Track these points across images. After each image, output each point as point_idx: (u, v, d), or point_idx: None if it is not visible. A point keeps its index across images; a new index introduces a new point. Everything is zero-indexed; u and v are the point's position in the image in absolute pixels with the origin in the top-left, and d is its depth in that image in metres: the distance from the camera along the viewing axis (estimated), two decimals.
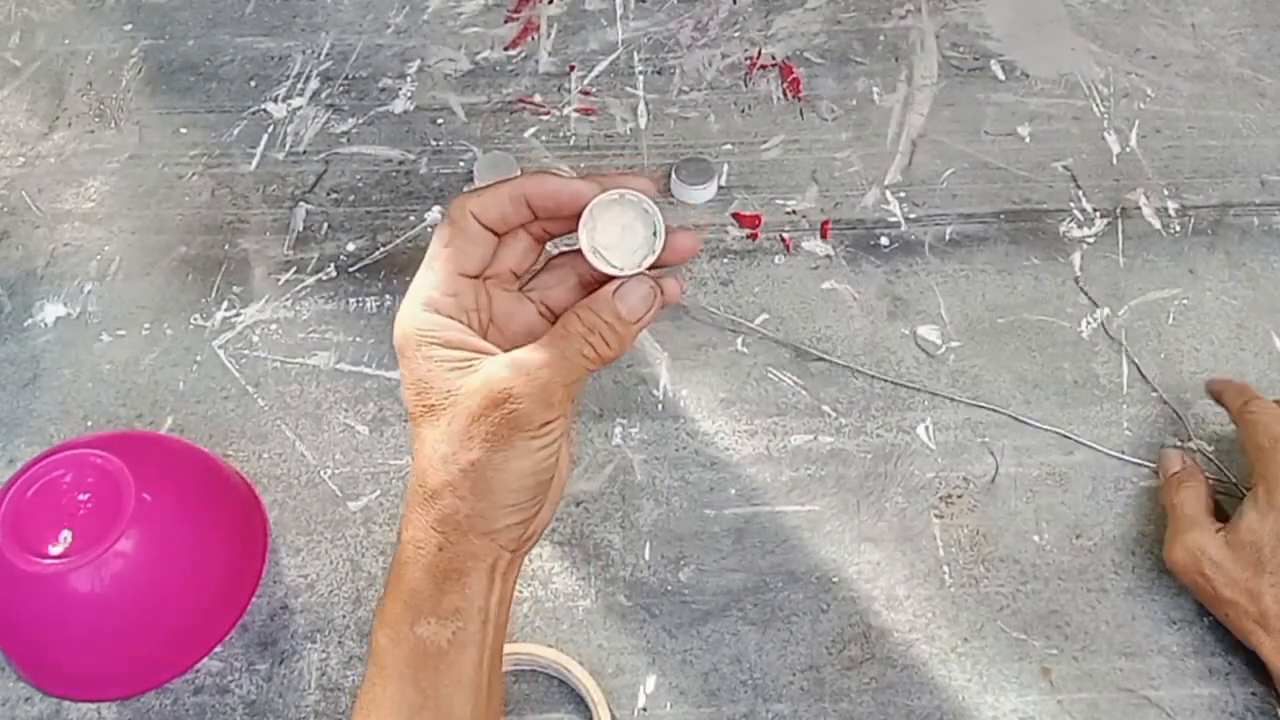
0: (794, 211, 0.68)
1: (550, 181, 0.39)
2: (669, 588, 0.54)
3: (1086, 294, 0.64)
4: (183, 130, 0.73)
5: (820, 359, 0.62)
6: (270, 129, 0.73)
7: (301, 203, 0.69)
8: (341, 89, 0.75)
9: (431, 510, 0.38)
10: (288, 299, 0.65)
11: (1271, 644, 0.48)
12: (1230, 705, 0.51)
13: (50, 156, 0.72)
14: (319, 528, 0.56)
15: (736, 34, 0.78)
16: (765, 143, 0.72)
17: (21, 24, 0.80)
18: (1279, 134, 0.72)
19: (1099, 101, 0.74)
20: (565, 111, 0.74)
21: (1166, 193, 0.69)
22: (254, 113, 0.74)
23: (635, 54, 0.77)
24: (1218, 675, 0.52)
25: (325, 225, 0.68)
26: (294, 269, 0.66)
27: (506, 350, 0.38)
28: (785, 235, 0.67)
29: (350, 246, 0.67)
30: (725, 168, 0.70)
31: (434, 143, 0.72)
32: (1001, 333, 0.63)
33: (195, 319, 0.64)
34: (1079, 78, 0.75)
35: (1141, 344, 0.62)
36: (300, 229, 0.68)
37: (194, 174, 0.71)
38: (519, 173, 0.68)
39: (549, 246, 0.41)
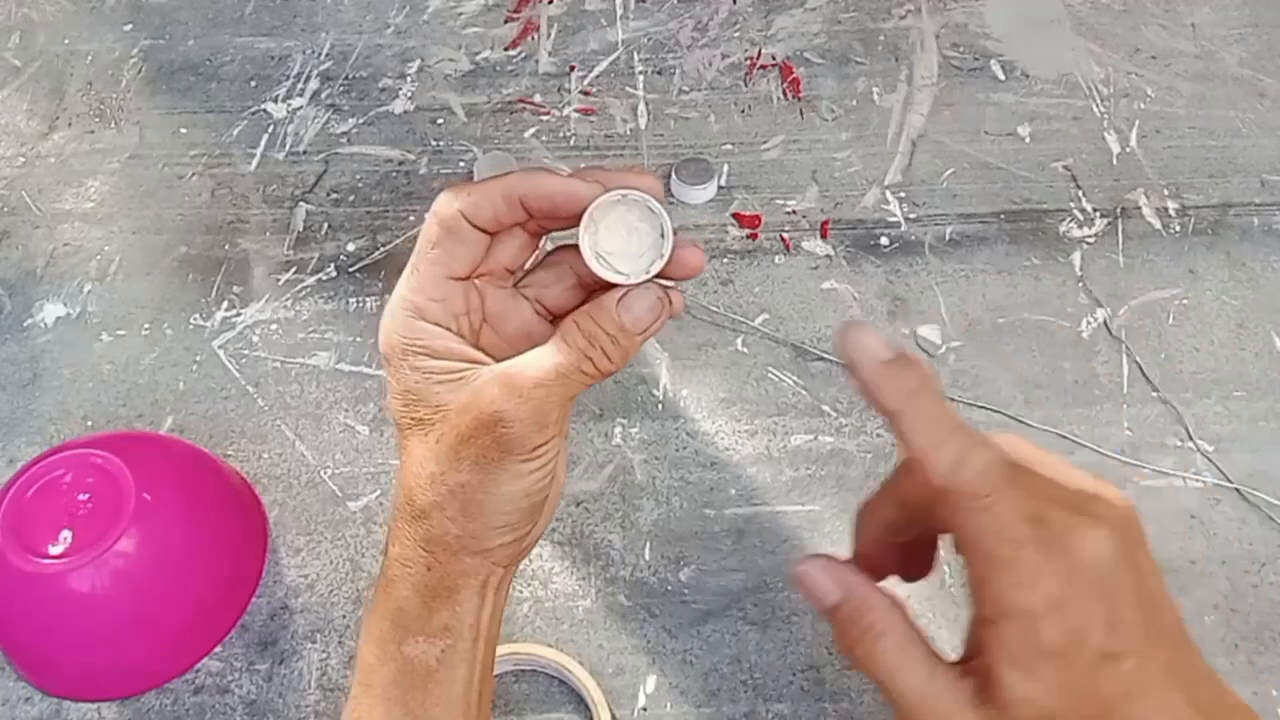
0: (794, 211, 0.68)
1: (546, 181, 0.36)
2: (669, 588, 0.54)
3: (1090, 292, 0.64)
4: (183, 130, 0.73)
5: (820, 359, 0.62)
6: (270, 129, 0.73)
7: (301, 203, 0.69)
8: (341, 89, 0.75)
9: (419, 529, 0.36)
10: (288, 299, 0.65)
11: None
12: None
13: (50, 156, 0.72)
14: (319, 528, 0.56)
15: (736, 34, 0.78)
16: (765, 143, 0.72)
17: (21, 24, 0.80)
18: (1279, 134, 0.72)
19: (1099, 101, 0.74)
20: (565, 111, 0.74)
21: (1166, 193, 0.69)
22: (254, 113, 0.74)
23: (635, 54, 0.77)
24: (1219, 674, 0.51)
25: (325, 225, 0.68)
26: (294, 269, 0.66)
27: (500, 356, 0.36)
28: (785, 235, 0.67)
29: (350, 246, 0.67)
30: (725, 168, 0.70)
31: (434, 143, 0.72)
32: (1002, 333, 0.63)
33: (195, 319, 0.64)
34: (1079, 78, 0.75)
35: (1142, 344, 0.62)
36: (300, 229, 0.68)
37: (194, 174, 0.71)
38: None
39: (545, 241, 0.40)
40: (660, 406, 0.60)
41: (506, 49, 0.78)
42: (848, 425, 0.59)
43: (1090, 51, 0.77)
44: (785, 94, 0.75)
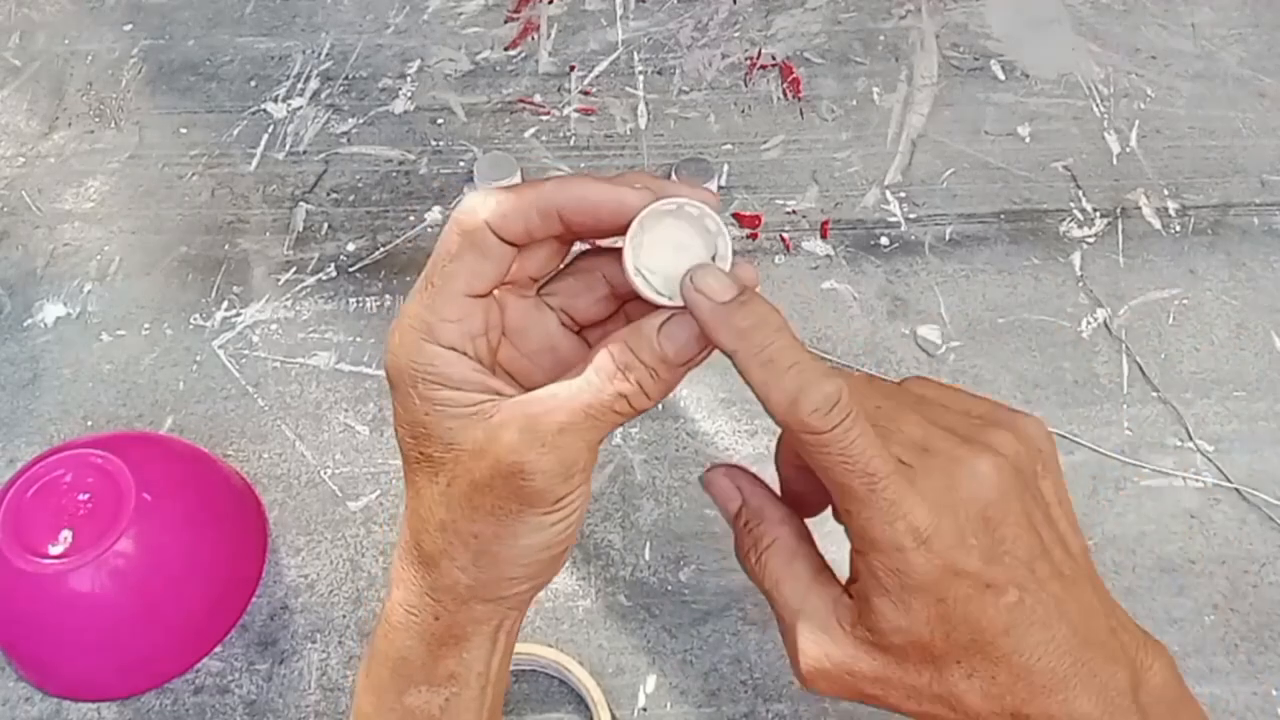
0: (794, 211, 0.68)
1: (590, 189, 0.31)
2: (669, 588, 0.54)
3: (1090, 292, 0.64)
4: (183, 130, 0.73)
5: (820, 359, 0.62)
6: (270, 129, 0.73)
7: (301, 203, 0.69)
8: (341, 89, 0.75)
9: (426, 577, 0.33)
10: (288, 299, 0.65)
11: None
12: (1231, 704, 0.51)
13: (50, 156, 0.72)
14: (319, 528, 0.56)
15: (736, 34, 0.78)
16: (765, 143, 0.72)
17: (21, 24, 0.80)
18: (1279, 134, 0.72)
19: (1099, 101, 0.74)
20: (565, 111, 0.74)
21: (1166, 193, 0.69)
22: (254, 113, 0.74)
23: (635, 54, 0.77)
24: (1219, 674, 0.52)
25: (325, 225, 0.68)
26: (294, 269, 0.66)
27: (519, 372, 0.33)
28: (785, 235, 0.67)
29: (350, 246, 0.67)
30: (725, 168, 0.70)
31: (434, 143, 0.72)
32: (1002, 333, 0.63)
33: (195, 319, 0.64)
34: (1079, 78, 0.75)
35: (1142, 344, 0.62)
36: (300, 229, 0.68)
37: (194, 174, 0.71)
38: (519, 173, 0.68)
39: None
40: (660, 406, 0.60)
41: (506, 49, 0.78)
42: None
43: (1090, 51, 0.77)
44: (785, 94, 0.75)
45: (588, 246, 0.35)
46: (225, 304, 0.65)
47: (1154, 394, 0.60)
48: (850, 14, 0.80)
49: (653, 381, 0.31)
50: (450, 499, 0.32)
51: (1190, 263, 0.66)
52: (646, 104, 0.74)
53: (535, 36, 0.78)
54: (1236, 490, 0.57)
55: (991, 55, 0.76)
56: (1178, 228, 0.67)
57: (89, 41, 0.79)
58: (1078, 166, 0.70)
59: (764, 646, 0.53)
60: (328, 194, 0.70)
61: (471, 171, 0.70)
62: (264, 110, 0.74)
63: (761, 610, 0.54)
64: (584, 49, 0.77)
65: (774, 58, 0.77)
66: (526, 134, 0.72)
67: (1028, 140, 0.72)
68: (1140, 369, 0.61)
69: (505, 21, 0.79)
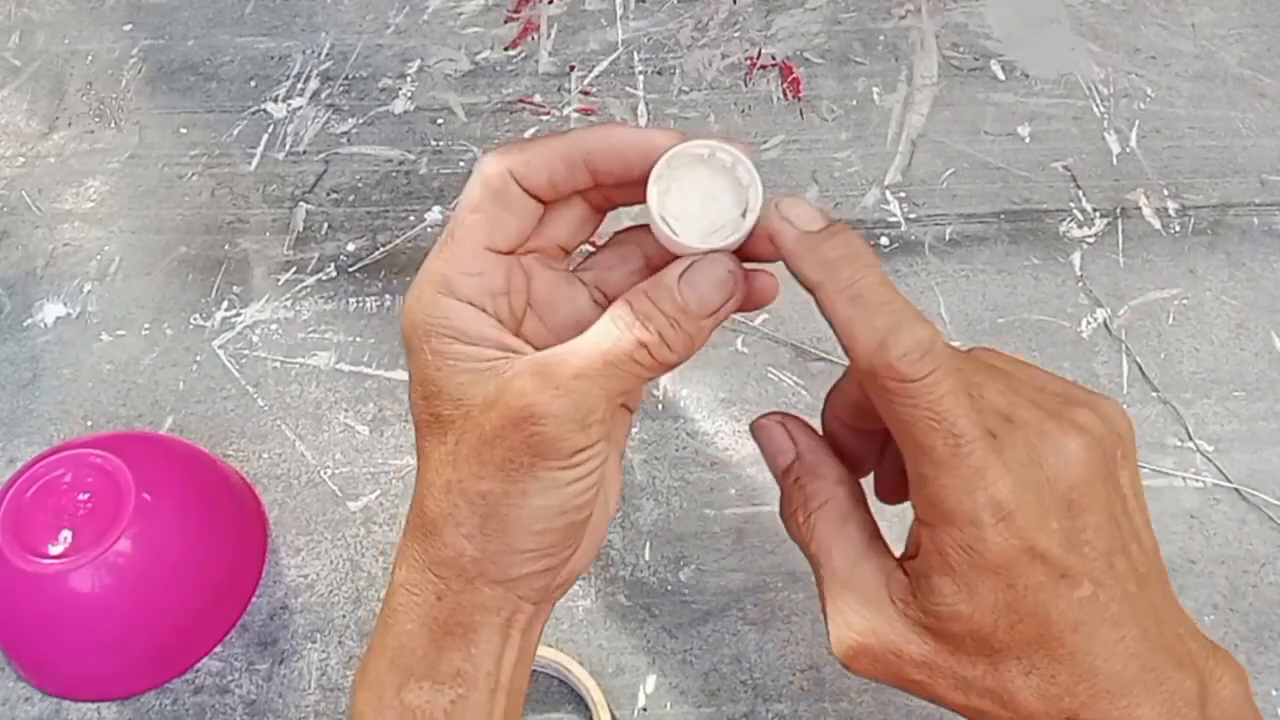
0: None
1: (618, 133, 0.29)
2: (669, 588, 0.54)
3: (1090, 292, 0.64)
4: (183, 130, 0.73)
5: (820, 359, 0.62)
6: (270, 129, 0.73)
7: (301, 203, 0.69)
8: (341, 89, 0.75)
9: (429, 548, 0.30)
10: (288, 299, 0.65)
11: None
12: None
13: (50, 156, 0.72)
14: (319, 528, 0.56)
15: (736, 34, 0.78)
16: (765, 143, 0.72)
17: (21, 24, 0.80)
18: (1279, 134, 0.72)
19: (1099, 101, 0.74)
20: (565, 111, 0.74)
21: (1166, 193, 0.69)
22: (254, 113, 0.74)
23: (635, 54, 0.77)
24: None
25: (325, 225, 0.68)
26: (294, 269, 0.66)
27: (545, 348, 0.30)
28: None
29: (350, 246, 0.67)
30: None
31: (434, 143, 0.72)
32: (1002, 333, 0.63)
33: (195, 319, 0.64)
34: (1079, 78, 0.75)
35: (1142, 344, 0.62)
36: (300, 229, 0.68)
37: (194, 174, 0.71)
38: None
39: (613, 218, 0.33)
40: (660, 406, 0.60)
41: (506, 49, 0.78)
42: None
43: (1090, 51, 0.77)
44: (785, 94, 0.75)
45: (624, 228, 0.33)
46: (225, 304, 0.65)
47: (1154, 394, 0.60)
48: (850, 14, 0.80)
49: (674, 332, 0.29)
50: (458, 457, 0.29)
51: (1190, 263, 0.66)
52: (646, 104, 0.74)
53: (535, 36, 0.78)
54: (1236, 490, 0.57)
55: (991, 55, 0.76)
56: (1178, 228, 0.67)
57: (89, 41, 0.79)
58: (1078, 166, 0.70)
59: (764, 646, 0.53)
60: (328, 194, 0.70)
61: (471, 171, 0.70)
62: (264, 110, 0.74)
63: (761, 610, 0.54)
64: (584, 49, 0.77)
65: (774, 58, 0.77)
66: (526, 134, 0.72)
67: (1028, 140, 0.72)
68: (1140, 369, 0.61)
69: (505, 21, 0.79)
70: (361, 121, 0.73)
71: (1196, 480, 0.57)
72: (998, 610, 0.28)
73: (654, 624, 0.53)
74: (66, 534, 0.49)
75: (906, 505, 0.31)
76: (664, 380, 0.61)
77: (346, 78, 0.76)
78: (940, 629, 0.29)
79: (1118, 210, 0.68)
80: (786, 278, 0.31)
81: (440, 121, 0.73)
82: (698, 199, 0.29)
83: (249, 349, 0.63)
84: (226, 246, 0.67)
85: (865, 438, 0.31)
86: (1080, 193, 0.69)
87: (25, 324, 0.64)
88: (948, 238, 0.67)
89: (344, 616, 0.54)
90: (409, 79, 0.76)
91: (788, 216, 0.29)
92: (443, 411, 0.29)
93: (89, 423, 0.60)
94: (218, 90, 0.75)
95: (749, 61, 0.77)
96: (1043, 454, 0.28)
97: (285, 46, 0.78)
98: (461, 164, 0.71)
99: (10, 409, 0.61)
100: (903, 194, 0.69)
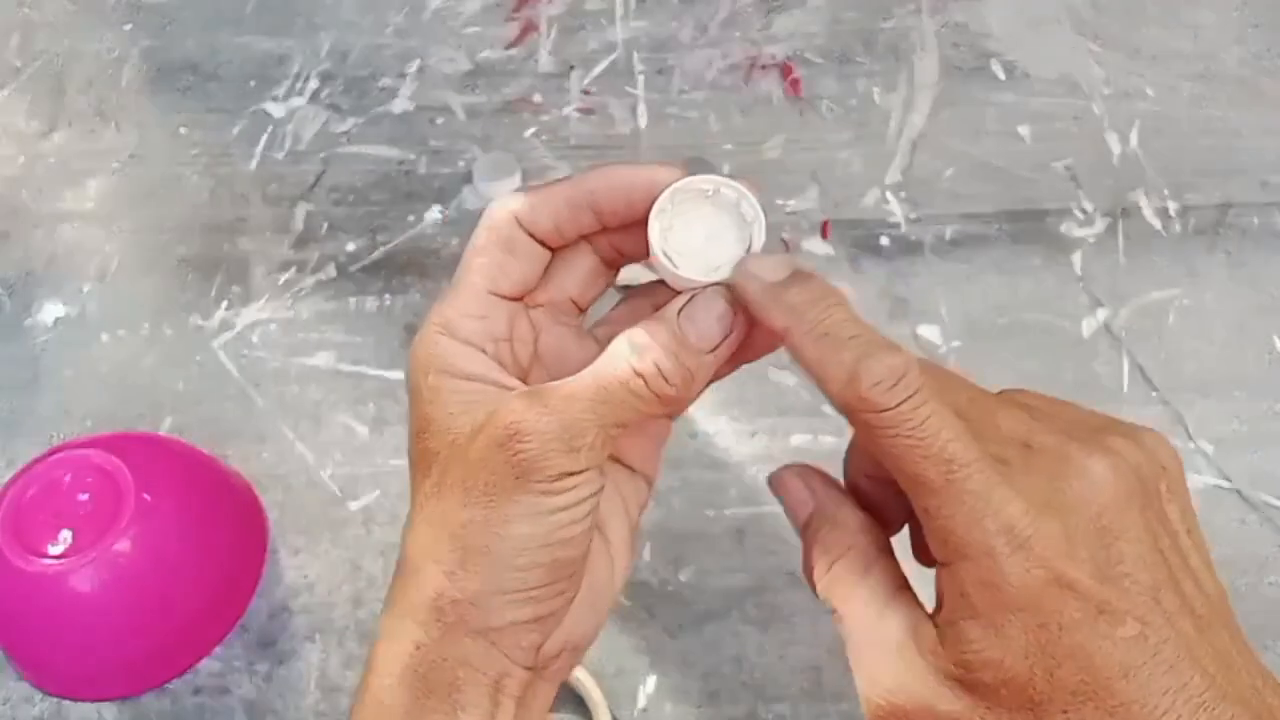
0: (794, 211, 0.68)
1: (620, 170, 0.29)
2: (669, 588, 0.54)
3: (1090, 292, 0.64)
4: (183, 130, 0.73)
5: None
6: (270, 129, 0.73)
7: (301, 203, 0.69)
8: (341, 89, 0.75)
9: (408, 590, 0.28)
10: (288, 299, 0.65)
11: None
12: None
13: (50, 156, 0.72)
14: (319, 528, 0.56)
15: (736, 34, 0.78)
16: (765, 143, 0.72)
17: (21, 24, 0.80)
18: (1279, 134, 0.72)
19: (1099, 101, 0.74)
20: (565, 111, 0.74)
21: (1167, 193, 0.69)
22: (254, 113, 0.74)
23: (635, 54, 0.77)
24: None
25: (325, 225, 0.68)
26: (294, 269, 0.66)
27: None
28: (785, 235, 0.67)
29: (350, 246, 0.67)
30: (725, 168, 0.70)
31: (434, 143, 0.72)
32: (1002, 333, 0.63)
33: (195, 319, 0.64)
34: (1079, 78, 0.75)
35: (1142, 344, 0.62)
36: (300, 229, 0.68)
37: (194, 174, 0.71)
38: (519, 173, 0.68)
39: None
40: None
41: (506, 49, 0.78)
42: (848, 425, 0.59)
43: (1090, 51, 0.77)
44: (785, 94, 0.75)
45: (639, 285, 0.33)
46: (225, 304, 0.65)
47: (1154, 394, 0.60)
48: (850, 14, 0.79)
49: (671, 364, 0.28)
50: (442, 488, 0.28)
51: (1190, 263, 0.66)
52: (646, 104, 0.74)
53: (535, 36, 0.78)
54: (1237, 491, 0.57)
55: (991, 55, 0.76)
56: (1178, 228, 0.67)
57: (89, 41, 0.79)
58: (1078, 166, 0.70)
59: (764, 647, 0.53)
60: (327, 194, 0.70)
61: (471, 171, 0.70)
62: (264, 110, 0.74)
63: (762, 611, 0.54)
64: (584, 49, 0.77)
65: (774, 58, 0.77)
66: (526, 134, 0.72)
67: (1028, 140, 0.72)
68: (1140, 369, 0.61)
69: (505, 21, 0.79)
70: (361, 121, 0.73)
71: (1197, 480, 0.57)
72: (1032, 654, 0.25)
73: (654, 625, 0.53)
74: (66, 534, 0.49)
75: None
76: None
77: (346, 78, 0.76)
78: (974, 681, 0.26)
79: (1118, 210, 0.68)
80: None
81: (440, 121, 0.73)
82: (701, 235, 0.29)
83: (249, 349, 0.63)
84: (226, 246, 0.67)
85: (890, 490, 0.29)
86: (1081, 193, 0.69)
87: (25, 324, 0.64)
88: (948, 238, 0.67)
89: (344, 617, 0.54)
90: (409, 79, 0.76)
91: (753, 272, 0.29)
92: (431, 445, 0.29)
93: (89, 423, 0.60)
94: (218, 90, 0.75)
95: (749, 61, 0.77)
96: (1064, 477, 0.26)
97: (285, 46, 0.78)
98: (461, 164, 0.71)
99: (10, 409, 0.61)
100: (903, 194, 0.69)
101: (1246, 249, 0.66)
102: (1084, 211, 0.68)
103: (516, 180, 0.68)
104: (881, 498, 0.31)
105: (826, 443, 0.58)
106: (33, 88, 0.76)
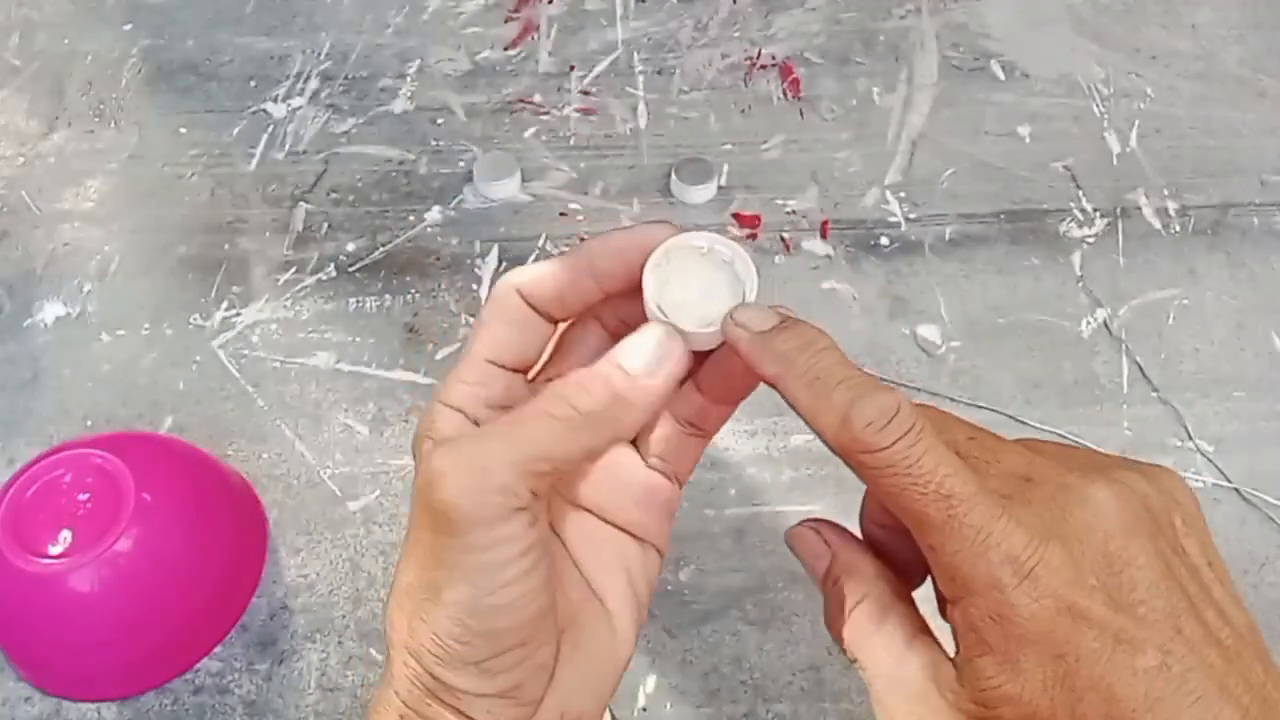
0: (794, 211, 0.68)
1: (615, 237, 0.30)
2: (669, 588, 0.54)
3: (1090, 292, 0.64)
4: (183, 130, 0.73)
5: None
6: (270, 129, 0.73)
7: (301, 203, 0.69)
8: (341, 89, 0.75)
9: (389, 663, 0.28)
10: (288, 299, 0.65)
11: None
12: None
13: (50, 156, 0.72)
14: (319, 528, 0.56)
15: (736, 34, 0.78)
16: (765, 143, 0.72)
17: (21, 24, 0.80)
18: (1279, 134, 0.72)
19: (1099, 101, 0.74)
20: (565, 111, 0.74)
21: (1166, 193, 0.69)
22: (254, 113, 0.74)
23: (635, 54, 0.77)
24: None
25: (325, 225, 0.68)
26: (294, 269, 0.66)
27: (572, 494, 0.31)
28: (785, 235, 0.67)
29: (350, 246, 0.67)
30: (725, 168, 0.70)
31: (434, 143, 0.72)
32: (1002, 333, 0.63)
33: (195, 319, 0.64)
34: (1079, 78, 0.75)
35: (1142, 344, 0.62)
36: (300, 229, 0.68)
37: (194, 174, 0.71)
38: (518, 173, 0.68)
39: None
40: None
41: (506, 49, 0.78)
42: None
43: (1090, 51, 0.77)
44: (785, 94, 0.75)
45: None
46: (225, 304, 0.65)
47: (1154, 394, 0.60)
48: (850, 14, 0.79)
49: (593, 381, 0.28)
50: (403, 554, 0.28)
51: (1190, 263, 0.66)
52: (646, 104, 0.74)
53: (535, 36, 0.78)
54: (1236, 490, 0.57)
55: (991, 55, 0.76)
56: (1178, 228, 0.67)
57: (89, 41, 0.79)
58: (1078, 166, 0.70)
59: (764, 647, 0.53)
60: (327, 194, 0.70)
61: (471, 171, 0.70)
62: (264, 110, 0.74)
63: (761, 610, 0.54)
64: (584, 49, 0.77)
65: (774, 58, 0.77)
66: (526, 134, 0.72)
67: (1028, 140, 0.72)
68: (1140, 369, 0.61)
69: (505, 21, 0.79)
70: (361, 121, 0.73)
71: (1197, 480, 0.57)
72: (1050, 687, 0.25)
73: (654, 624, 0.53)
74: (66, 534, 0.49)
75: None
76: None
77: (346, 77, 0.76)
78: (994, 718, 0.26)
79: (1118, 210, 0.68)
80: None
81: (440, 121, 0.73)
82: (695, 290, 0.30)
83: (249, 349, 0.63)
84: (226, 246, 0.67)
85: (905, 538, 0.28)
86: (1080, 193, 0.69)
87: (25, 324, 0.64)
88: (948, 238, 0.67)
89: (344, 617, 0.54)
90: (409, 79, 0.76)
91: (741, 322, 0.29)
92: (412, 509, 0.29)
93: (89, 423, 0.60)
94: (218, 90, 0.75)
95: (749, 61, 0.77)
96: (1066, 506, 0.26)
97: (285, 46, 0.78)
98: (461, 164, 0.71)
99: (10, 409, 0.61)
100: (903, 194, 0.69)
101: (1246, 249, 0.66)
102: (1083, 211, 0.68)
103: (517, 180, 0.69)
104: (898, 547, 0.31)
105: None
106: (33, 88, 0.76)
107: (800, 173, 0.70)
